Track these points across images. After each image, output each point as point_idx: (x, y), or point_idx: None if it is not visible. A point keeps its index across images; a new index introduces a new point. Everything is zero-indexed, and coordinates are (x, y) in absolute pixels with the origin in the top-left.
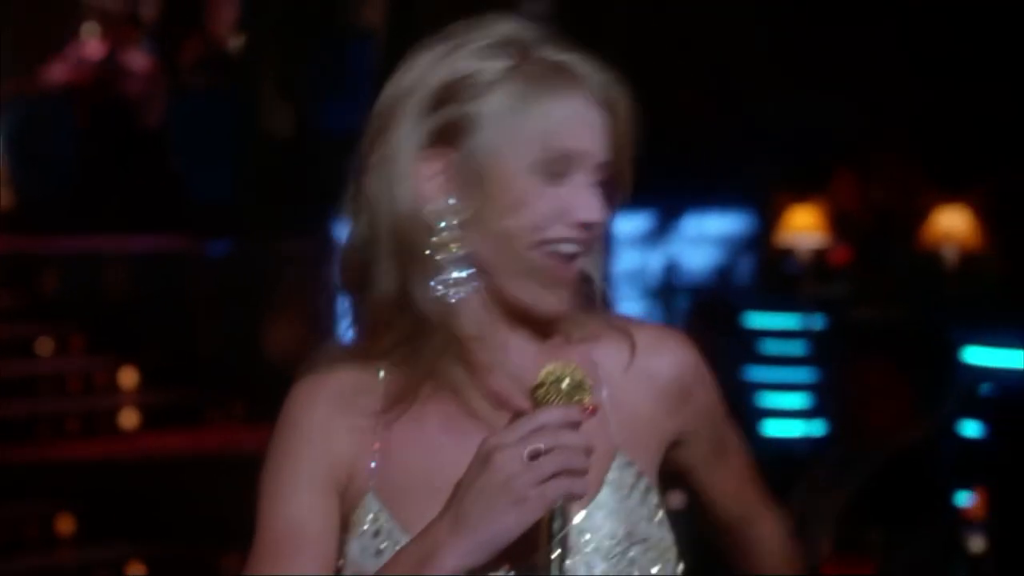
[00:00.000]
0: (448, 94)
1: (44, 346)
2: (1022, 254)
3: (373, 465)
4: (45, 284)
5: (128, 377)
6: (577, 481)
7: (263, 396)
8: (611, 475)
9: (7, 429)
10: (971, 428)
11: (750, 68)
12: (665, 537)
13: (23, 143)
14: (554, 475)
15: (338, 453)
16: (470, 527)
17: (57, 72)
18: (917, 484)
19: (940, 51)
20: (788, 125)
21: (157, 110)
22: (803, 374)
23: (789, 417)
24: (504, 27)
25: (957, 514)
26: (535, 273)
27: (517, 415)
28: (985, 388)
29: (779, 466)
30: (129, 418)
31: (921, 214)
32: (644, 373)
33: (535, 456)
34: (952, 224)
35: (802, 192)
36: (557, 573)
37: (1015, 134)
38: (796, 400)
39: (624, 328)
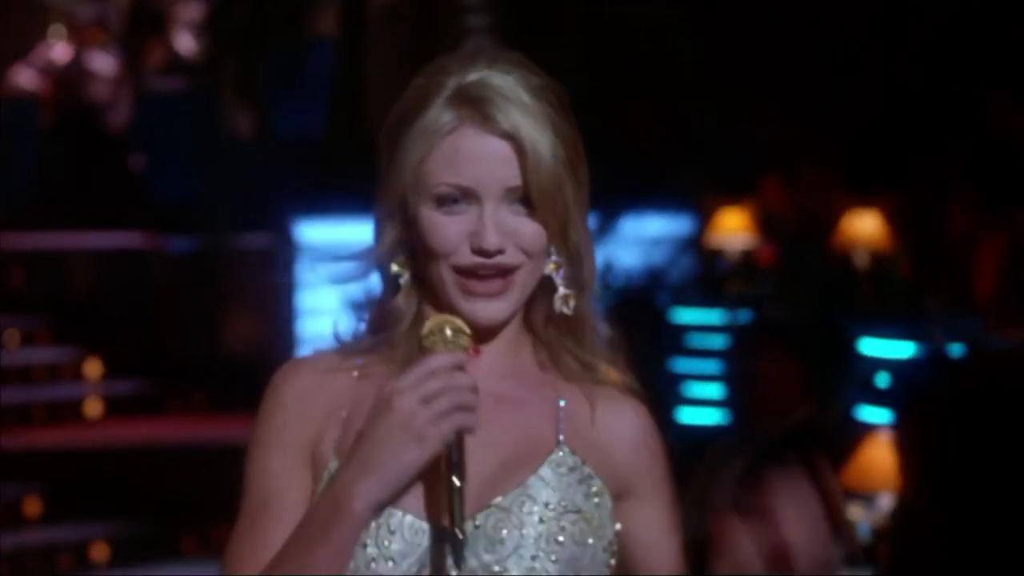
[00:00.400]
0: (394, 128)
1: (12, 338)
2: (925, 256)
3: (337, 434)
4: (12, 279)
5: (93, 368)
6: (468, 415)
7: (222, 387)
8: (552, 456)
9: None
10: (868, 413)
11: (685, 82)
12: (600, 516)
13: None
14: (447, 412)
15: (311, 424)
16: (377, 466)
17: (23, 75)
18: (802, 458)
19: (858, 68)
20: (720, 134)
21: (121, 112)
22: (721, 366)
23: (706, 406)
24: (455, 62)
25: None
26: (462, 289)
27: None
28: (882, 378)
29: (693, 451)
30: (93, 407)
31: (838, 218)
32: (602, 426)
33: (429, 397)
34: (864, 228)
35: (732, 196)
36: (457, 500)
37: (921, 147)
38: (714, 390)
39: (594, 373)
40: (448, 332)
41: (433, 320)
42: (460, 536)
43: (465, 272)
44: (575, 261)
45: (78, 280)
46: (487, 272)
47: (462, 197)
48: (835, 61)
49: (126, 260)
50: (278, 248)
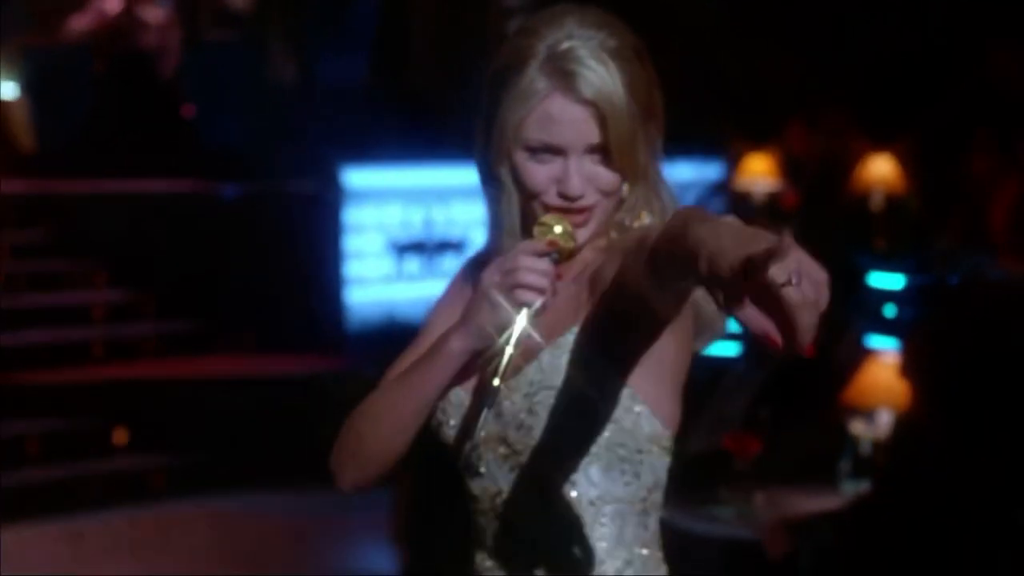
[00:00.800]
0: (496, 78)
1: (69, 280)
2: (935, 197)
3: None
4: (68, 223)
5: (147, 309)
6: (530, 293)
7: (270, 327)
8: (562, 338)
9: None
10: (878, 342)
11: (712, 33)
12: (583, 390)
13: (45, 91)
14: (514, 286)
15: (467, 297)
16: (467, 320)
17: (77, 24)
18: (810, 381)
19: (874, 22)
20: (745, 83)
21: (172, 61)
22: None
23: (726, 339)
24: (548, 25)
25: (844, 406)
26: None
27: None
28: (890, 309)
29: (712, 379)
30: (148, 345)
31: (856, 162)
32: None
33: (506, 273)
34: (879, 171)
35: (757, 142)
36: (504, 358)
37: (932, 96)
38: (734, 323)
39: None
40: (558, 229)
41: (549, 216)
42: (495, 384)
43: (553, 208)
44: (651, 189)
45: (131, 224)
46: (575, 208)
47: (549, 152)
48: (852, 13)
49: (178, 205)
50: (325, 193)
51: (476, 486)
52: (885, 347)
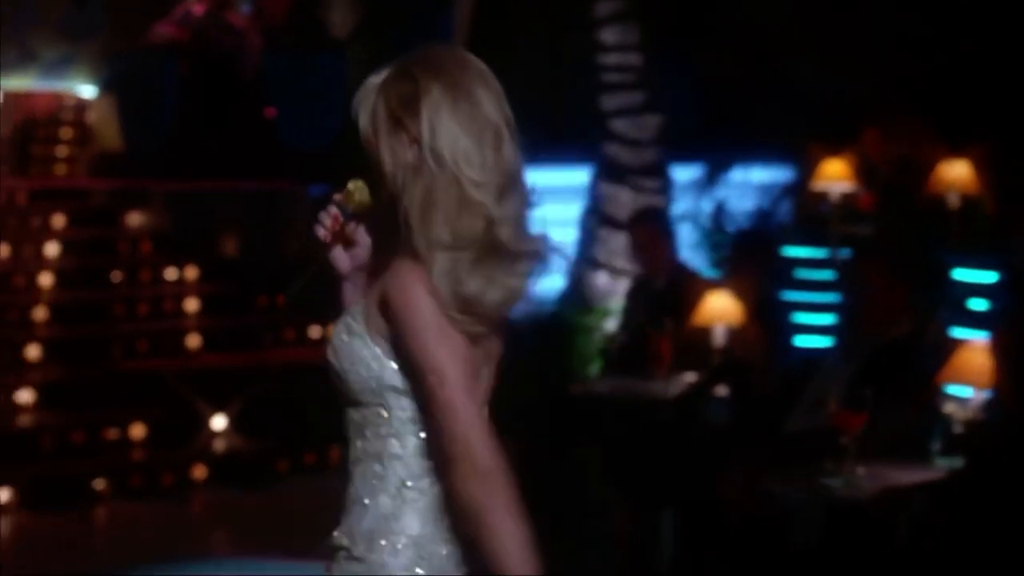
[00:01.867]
0: None
1: (169, 275)
2: (1008, 199)
3: None
4: (159, 221)
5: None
6: (319, 230)
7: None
8: (347, 315)
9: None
10: (961, 331)
11: (790, 41)
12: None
13: (130, 93)
14: (317, 228)
15: None
16: None
17: (165, 27)
18: (903, 365)
19: (951, 29)
20: (822, 89)
21: (253, 63)
22: (830, 297)
23: (817, 333)
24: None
25: (936, 388)
26: None
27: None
28: (973, 301)
29: (806, 371)
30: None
31: (931, 166)
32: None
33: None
34: (955, 174)
35: (834, 146)
36: (301, 273)
37: (1007, 104)
38: (824, 319)
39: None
40: (350, 188)
41: (352, 181)
42: (288, 298)
43: None
44: (397, 184)
45: (221, 221)
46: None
47: None
48: (927, 20)
49: (267, 202)
50: None
51: None
52: (970, 337)
